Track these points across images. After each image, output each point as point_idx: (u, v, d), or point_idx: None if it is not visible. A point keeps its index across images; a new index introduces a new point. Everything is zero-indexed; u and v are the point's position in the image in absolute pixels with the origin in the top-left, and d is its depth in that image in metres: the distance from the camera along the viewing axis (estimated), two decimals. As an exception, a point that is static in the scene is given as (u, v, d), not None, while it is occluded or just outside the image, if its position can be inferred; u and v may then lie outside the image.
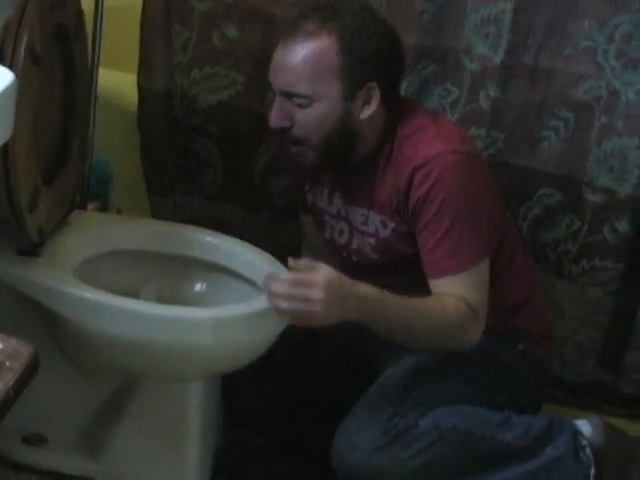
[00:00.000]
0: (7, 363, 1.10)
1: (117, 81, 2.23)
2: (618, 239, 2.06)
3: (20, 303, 1.77)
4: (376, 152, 1.78)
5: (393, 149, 1.76)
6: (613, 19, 1.95)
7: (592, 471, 1.75)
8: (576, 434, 1.78)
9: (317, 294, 1.56)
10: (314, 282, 1.57)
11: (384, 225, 1.80)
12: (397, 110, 1.79)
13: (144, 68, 2.17)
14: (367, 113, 1.75)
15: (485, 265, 1.74)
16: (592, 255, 2.09)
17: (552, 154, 2.06)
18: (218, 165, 2.24)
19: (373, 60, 1.73)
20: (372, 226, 1.82)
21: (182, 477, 1.87)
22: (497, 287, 1.82)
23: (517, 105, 2.05)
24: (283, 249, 2.04)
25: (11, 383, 1.08)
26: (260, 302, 1.81)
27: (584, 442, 1.77)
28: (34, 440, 1.89)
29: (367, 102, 1.75)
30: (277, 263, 1.92)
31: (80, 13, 1.89)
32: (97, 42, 2.01)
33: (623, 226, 2.05)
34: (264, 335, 1.79)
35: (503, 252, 1.84)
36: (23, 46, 1.59)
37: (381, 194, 1.78)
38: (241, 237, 2.02)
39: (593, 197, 2.06)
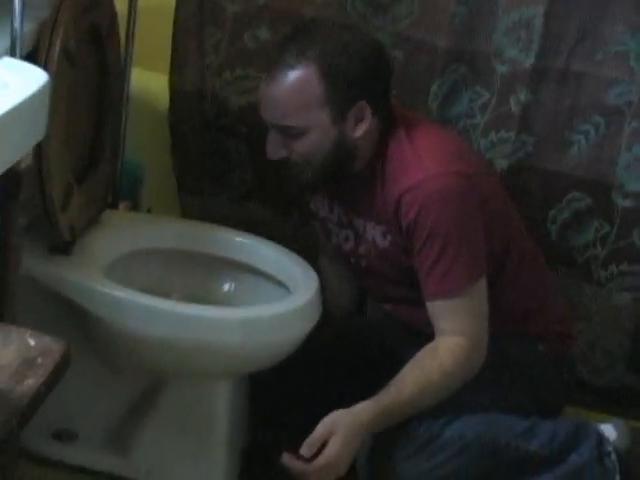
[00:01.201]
0: (39, 360, 1.12)
1: (149, 81, 2.24)
2: (647, 244, 2.06)
3: (52, 301, 1.79)
4: (372, 166, 1.78)
5: (385, 167, 1.76)
6: (646, 24, 1.95)
7: (617, 478, 1.75)
8: (601, 440, 1.77)
9: (336, 469, 1.66)
10: (327, 463, 1.65)
11: (384, 236, 1.81)
12: (391, 121, 1.78)
13: (176, 69, 2.18)
14: (361, 131, 1.74)
15: (480, 285, 1.74)
16: (621, 260, 2.09)
17: (582, 158, 2.06)
18: (248, 166, 2.25)
19: (358, 80, 1.72)
20: (370, 236, 1.83)
21: (209, 475, 1.88)
22: (508, 293, 1.83)
23: (547, 109, 2.05)
24: (311, 249, 2.05)
25: (43, 379, 1.09)
26: (288, 303, 1.83)
27: (609, 448, 1.76)
28: (63, 436, 1.91)
29: (359, 120, 1.74)
30: (305, 264, 1.94)
31: (113, 14, 1.90)
32: (130, 42, 2.02)
33: (653, 231, 2.05)
34: (291, 336, 1.80)
35: (509, 258, 1.83)
36: (57, 46, 1.61)
37: (379, 207, 1.78)
38: (270, 237, 2.03)
39: (623, 202, 2.05)
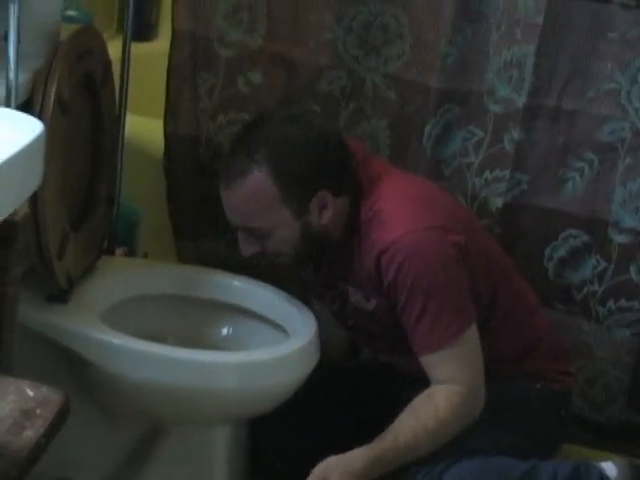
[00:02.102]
0: (37, 411, 1.11)
1: (144, 127, 2.25)
2: (645, 280, 2.06)
3: (49, 349, 1.79)
4: (348, 234, 1.79)
5: (360, 236, 1.76)
6: (636, 61, 1.96)
7: (619, 516, 1.74)
8: (602, 479, 1.76)
9: None
10: None
11: (367, 300, 1.81)
12: (359, 188, 1.78)
13: (170, 114, 2.19)
14: (326, 218, 1.76)
15: (471, 332, 1.73)
16: (618, 296, 2.08)
17: (577, 195, 2.06)
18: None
19: (312, 174, 1.73)
20: (354, 300, 1.83)
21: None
22: (500, 335, 1.82)
23: (541, 147, 2.06)
24: (309, 292, 2.04)
25: (42, 430, 1.09)
26: (286, 346, 1.82)
27: (610, 487, 1.75)
28: (62, 485, 1.90)
29: (323, 208, 1.76)
30: (303, 306, 1.93)
31: (107, 62, 1.91)
32: (124, 89, 2.03)
33: (650, 267, 2.05)
34: (290, 379, 1.80)
35: (498, 302, 1.83)
36: (52, 96, 1.62)
37: (358, 273, 1.79)
38: (267, 280, 2.03)
39: (619, 238, 2.05)
